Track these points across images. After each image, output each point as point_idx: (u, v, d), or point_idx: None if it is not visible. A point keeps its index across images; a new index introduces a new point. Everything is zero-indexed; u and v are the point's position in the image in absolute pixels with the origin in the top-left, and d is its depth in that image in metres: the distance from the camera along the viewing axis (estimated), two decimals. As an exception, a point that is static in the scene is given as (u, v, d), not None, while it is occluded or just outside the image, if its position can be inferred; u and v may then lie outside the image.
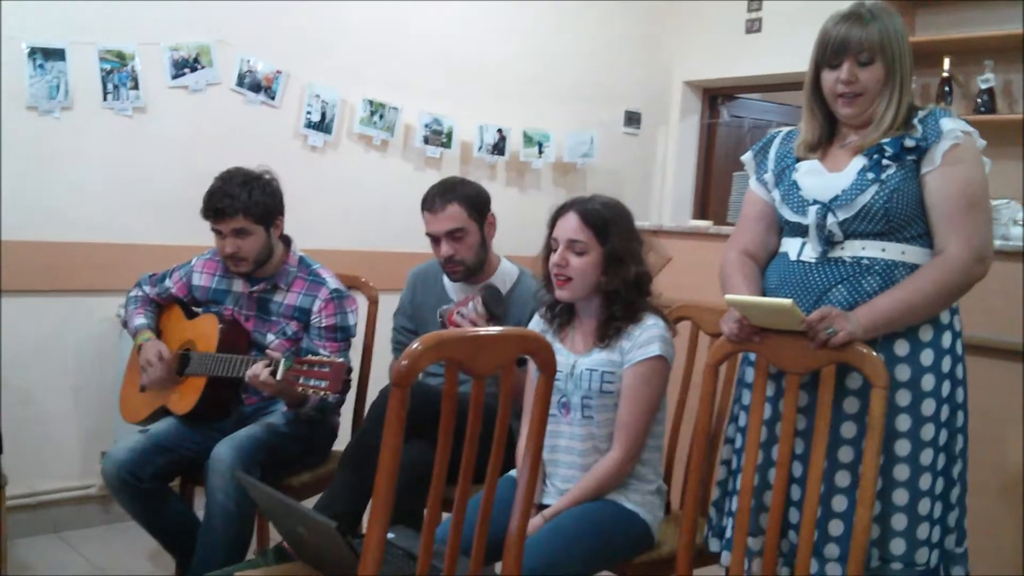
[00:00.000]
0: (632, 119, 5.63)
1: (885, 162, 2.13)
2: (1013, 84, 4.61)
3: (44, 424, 3.70)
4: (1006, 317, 3.01)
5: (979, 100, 4.56)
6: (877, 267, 2.14)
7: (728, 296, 2.16)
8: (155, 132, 3.86)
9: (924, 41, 4.59)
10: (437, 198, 2.93)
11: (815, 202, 2.19)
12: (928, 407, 2.13)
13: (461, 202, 2.92)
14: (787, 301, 2.04)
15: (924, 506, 2.12)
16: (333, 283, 3.03)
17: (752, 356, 2.28)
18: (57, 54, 3.60)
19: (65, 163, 3.66)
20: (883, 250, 2.14)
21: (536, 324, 2.61)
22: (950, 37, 4.56)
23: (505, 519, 1.90)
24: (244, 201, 2.89)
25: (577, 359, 2.46)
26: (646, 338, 2.41)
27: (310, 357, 2.67)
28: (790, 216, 2.25)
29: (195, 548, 2.77)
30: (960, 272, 2.09)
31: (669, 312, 2.58)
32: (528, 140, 5.00)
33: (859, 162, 2.17)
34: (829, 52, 2.17)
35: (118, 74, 3.75)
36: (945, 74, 4.62)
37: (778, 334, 2.13)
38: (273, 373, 2.68)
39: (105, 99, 3.73)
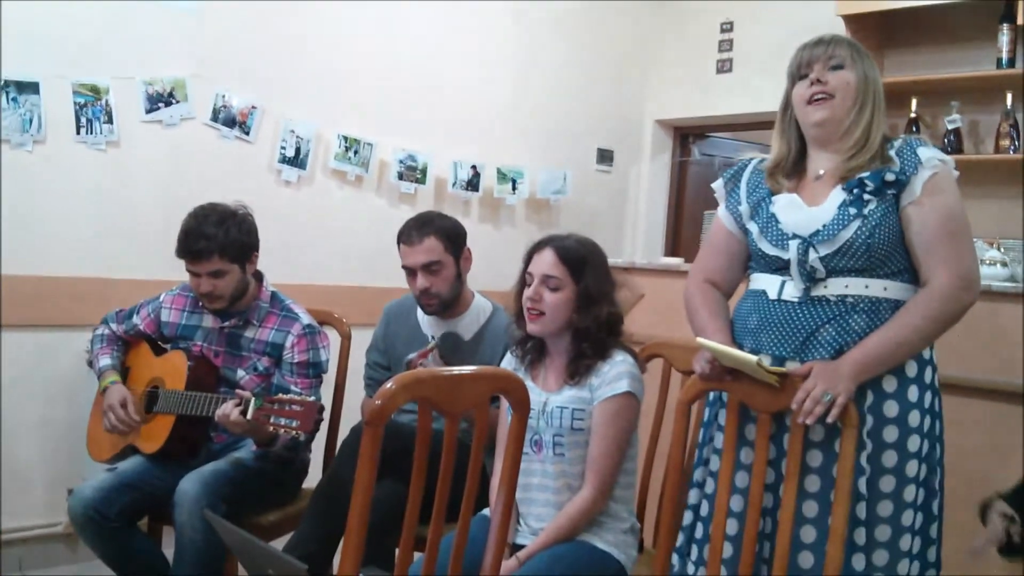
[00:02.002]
0: (604, 156, 5.67)
1: (866, 196, 2.10)
2: (979, 125, 4.69)
3: (10, 461, 3.64)
4: (972, 355, 3.03)
5: (946, 140, 4.63)
6: (862, 305, 2.10)
7: (699, 339, 2.15)
8: (129, 166, 3.84)
9: (893, 82, 4.65)
10: (414, 231, 2.93)
11: (795, 236, 2.15)
12: (913, 443, 2.11)
13: (438, 235, 2.92)
14: (753, 358, 2.03)
15: (905, 542, 2.11)
16: (306, 319, 3.02)
17: (726, 397, 2.25)
18: (31, 87, 3.59)
19: (37, 197, 3.63)
20: (866, 287, 2.11)
21: (508, 362, 2.61)
22: (918, 78, 4.64)
23: (479, 558, 1.89)
24: (220, 241, 2.85)
25: (549, 396, 2.46)
26: (615, 374, 2.41)
27: (281, 396, 2.65)
28: (769, 250, 2.20)
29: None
30: (948, 300, 2.06)
31: (641, 350, 2.58)
32: (502, 177, 5.03)
33: (838, 196, 2.14)
34: (800, 65, 2.20)
35: (92, 108, 3.74)
36: (913, 115, 4.69)
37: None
38: (244, 412, 2.66)
39: (78, 133, 3.71)
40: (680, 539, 2.36)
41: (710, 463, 2.31)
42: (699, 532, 2.28)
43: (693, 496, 2.35)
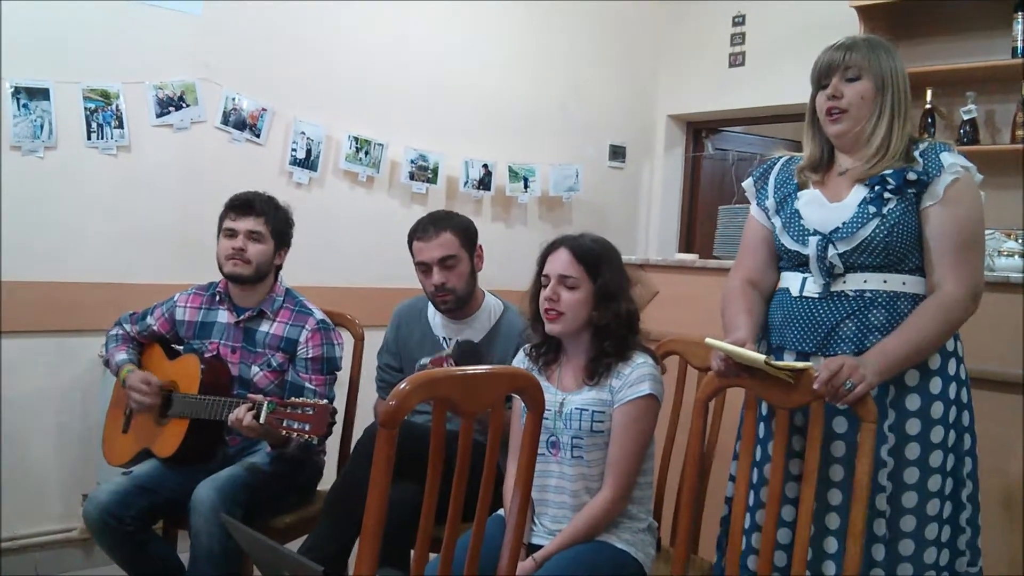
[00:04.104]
0: (617, 153, 5.65)
1: (887, 195, 2.14)
2: (995, 114, 4.65)
3: (25, 466, 3.65)
4: (989, 347, 2.99)
5: (962, 131, 4.59)
6: (880, 299, 2.14)
7: (708, 340, 2.16)
8: (140, 171, 3.85)
9: (907, 73, 4.62)
10: (430, 226, 2.93)
11: (815, 232, 2.19)
12: (936, 434, 2.14)
13: (454, 231, 2.92)
14: (761, 357, 2.04)
15: (931, 531, 2.13)
16: (319, 314, 3.03)
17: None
18: (41, 93, 3.59)
19: (49, 202, 3.64)
20: (884, 282, 2.15)
21: (520, 362, 2.59)
22: (932, 69, 4.60)
23: (495, 559, 1.87)
24: (272, 211, 3.01)
25: (566, 397, 2.44)
26: (636, 376, 2.39)
27: (293, 399, 2.66)
28: (790, 244, 2.25)
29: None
30: (958, 309, 2.11)
31: (657, 347, 2.57)
32: (513, 175, 5.01)
33: (859, 193, 2.18)
34: (820, 74, 2.23)
35: (102, 113, 3.74)
36: (928, 106, 4.65)
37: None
38: (256, 417, 2.66)
39: (89, 138, 3.72)
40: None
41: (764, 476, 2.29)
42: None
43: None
